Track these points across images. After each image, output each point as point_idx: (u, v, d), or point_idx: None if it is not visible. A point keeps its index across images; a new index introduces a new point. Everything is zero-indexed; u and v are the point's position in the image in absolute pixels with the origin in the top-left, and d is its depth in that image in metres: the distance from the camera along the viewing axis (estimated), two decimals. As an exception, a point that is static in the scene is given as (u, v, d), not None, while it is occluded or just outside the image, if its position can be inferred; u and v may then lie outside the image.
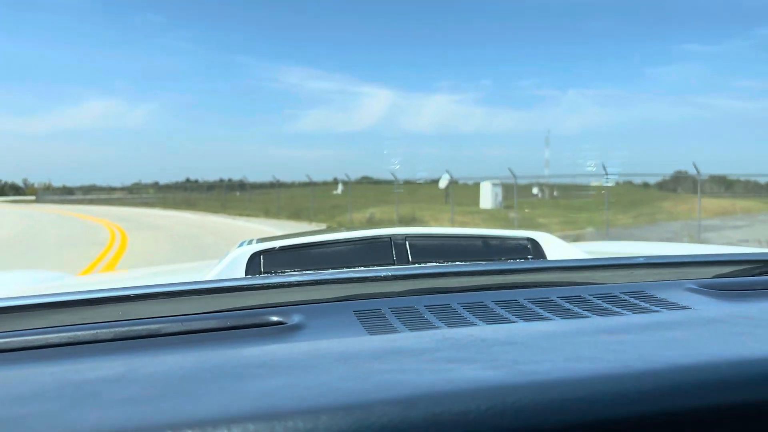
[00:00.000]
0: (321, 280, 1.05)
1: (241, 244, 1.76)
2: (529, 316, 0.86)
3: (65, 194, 37.29)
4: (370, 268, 1.48)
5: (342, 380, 0.51)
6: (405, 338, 0.73)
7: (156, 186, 27.88)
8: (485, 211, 22.32)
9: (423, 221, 18.42)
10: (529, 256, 1.81)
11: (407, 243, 1.77)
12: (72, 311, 0.91)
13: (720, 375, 0.52)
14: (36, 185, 37.90)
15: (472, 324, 0.83)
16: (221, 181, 24.42)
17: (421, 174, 20.84)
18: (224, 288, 0.99)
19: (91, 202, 41.55)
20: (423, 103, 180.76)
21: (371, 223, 18.02)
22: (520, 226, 14.10)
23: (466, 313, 0.89)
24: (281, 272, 1.57)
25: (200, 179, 24.94)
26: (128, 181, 32.31)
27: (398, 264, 1.69)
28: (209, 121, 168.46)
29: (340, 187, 24.68)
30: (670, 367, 0.53)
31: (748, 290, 1.03)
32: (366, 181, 23.97)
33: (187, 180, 25.07)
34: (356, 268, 1.49)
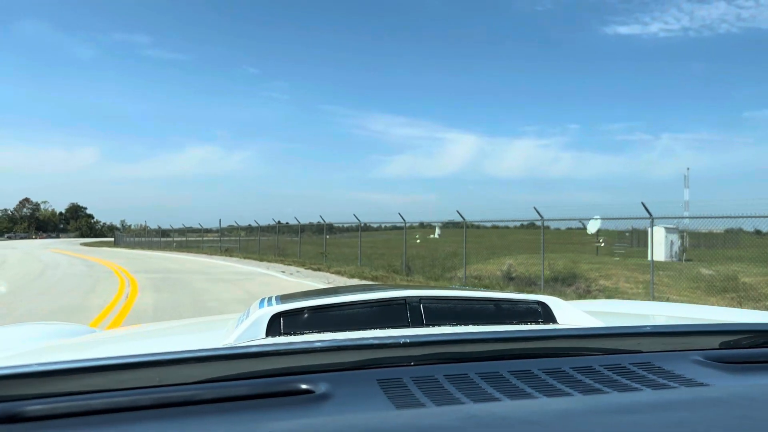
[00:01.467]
0: (343, 346, 1.07)
1: (261, 303, 1.82)
2: (544, 389, 0.90)
3: (158, 236, 37.21)
4: (388, 331, 1.53)
5: None
6: (431, 414, 0.77)
7: (248, 228, 27.96)
8: (664, 265, 16.81)
9: (592, 279, 14.24)
10: (539, 320, 1.85)
11: (422, 305, 1.82)
12: (109, 375, 0.92)
13: None
14: (132, 226, 39.38)
15: (491, 397, 0.86)
16: (310, 224, 23.79)
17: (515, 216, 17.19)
18: (250, 354, 1.01)
19: (164, 247, 39.09)
20: (508, 147, 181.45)
21: (508, 278, 15.29)
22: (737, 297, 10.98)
23: (484, 384, 0.93)
24: (300, 332, 1.64)
25: (290, 222, 25.08)
26: (221, 223, 33.96)
27: (413, 326, 1.74)
28: (299, 166, 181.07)
29: (437, 231, 22.11)
30: None
31: (751, 363, 1.06)
32: (453, 225, 21.62)
33: (278, 222, 24.89)
34: (374, 331, 1.53)
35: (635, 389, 0.89)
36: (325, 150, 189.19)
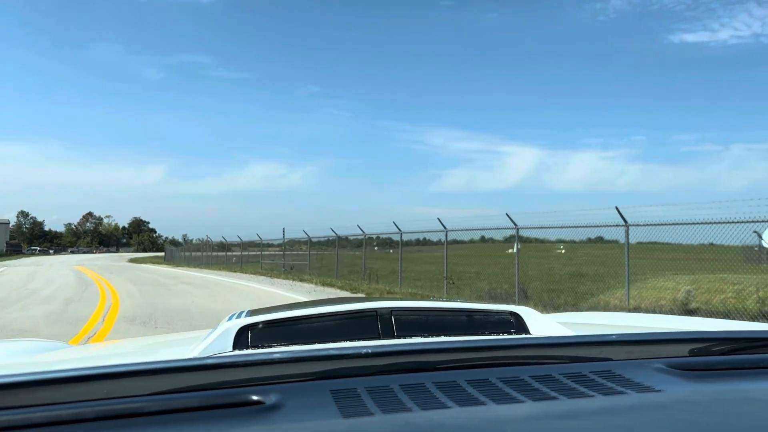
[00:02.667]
0: (301, 357, 1.07)
1: (230, 318, 1.83)
2: (499, 397, 0.89)
3: (216, 250, 32.98)
4: (352, 344, 1.48)
5: None
6: (375, 422, 0.79)
7: (309, 243, 25.08)
8: None
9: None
10: (511, 330, 1.86)
11: (393, 317, 1.82)
12: (57, 389, 0.91)
13: None
14: (194, 241, 40.19)
15: (442, 405, 0.86)
16: (371, 239, 21.24)
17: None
18: (206, 365, 1.00)
19: (221, 264, 31.92)
20: (570, 160, 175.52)
21: (684, 309, 10.58)
22: None
23: (438, 393, 0.92)
24: (268, 345, 1.63)
25: (350, 236, 22.05)
26: (284, 234, 29.86)
27: (383, 338, 1.73)
28: (358, 182, 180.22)
29: (516, 247, 17.96)
30: None
31: (714, 370, 1.06)
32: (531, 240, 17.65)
33: (339, 237, 22.42)
34: (339, 344, 1.49)
35: (587, 396, 0.90)
36: (383, 165, 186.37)
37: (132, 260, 49.81)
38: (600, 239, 12.57)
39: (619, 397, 0.89)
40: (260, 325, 1.72)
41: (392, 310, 1.84)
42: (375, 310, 1.83)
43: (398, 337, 1.75)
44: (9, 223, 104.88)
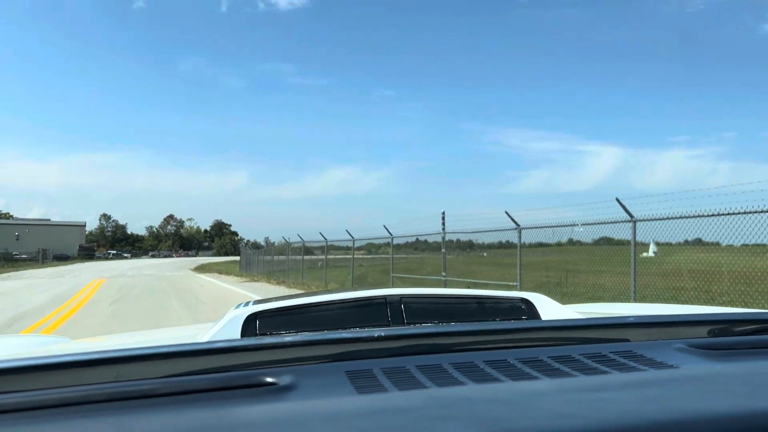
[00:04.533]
0: (313, 340, 1.04)
1: (237, 306, 1.85)
2: (518, 376, 0.87)
3: (300, 253, 25.01)
4: (364, 329, 1.44)
5: None
6: (392, 397, 0.75)
7: (395, 247, 17.59)
8: None
9: None
10: (523, 317, 1.88)
11: (402, 304, 1.82)
12: (64, 373, 0.90)
13: (697, 431, 0.53)
14: (276, 244, 31.93)
15: (459, 382, 0.83)
16: (451, 242, 14.98)
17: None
18: (217, 349, 0.98)
19: (305, 270, 23.39)
20: (655, 159, 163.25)
21: None
22: None
23: (456, 373, 0.89)
24: (276, 333, 1.62)
25: (429, 240, 15.89)
26: (358, 241, 20.48)
27: (393, 325, 1.74)
28: (435, 184, 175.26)
29: (652, 248, 12.12)
30: (647, 423, 0.54)
31: (736, 349, 1.02)
32: (605, 242, 12.46)
33: (417, 240, 16.81)
34: (351, 329, 1.46)
35: (610, 374, 0.88)
36: (460, 167, 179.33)
37: (199, 268, 38.56)
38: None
39: (637, 373, 0.86)
40: (268, 313, 1.73)
41: (402, 297, 1.85)
42: (384, 297, 1.83)
43: (408, 324, 1.76)
44: (85, 225, 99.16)
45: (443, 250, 14.18)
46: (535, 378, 0.85)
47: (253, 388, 0.84)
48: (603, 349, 1.01)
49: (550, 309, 1.87)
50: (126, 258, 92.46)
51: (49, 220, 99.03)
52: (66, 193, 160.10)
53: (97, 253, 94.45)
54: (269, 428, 0.57)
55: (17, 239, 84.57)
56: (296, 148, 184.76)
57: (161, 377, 0.89)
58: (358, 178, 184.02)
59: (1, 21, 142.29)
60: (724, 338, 1.13)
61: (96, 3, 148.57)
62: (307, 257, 23.75)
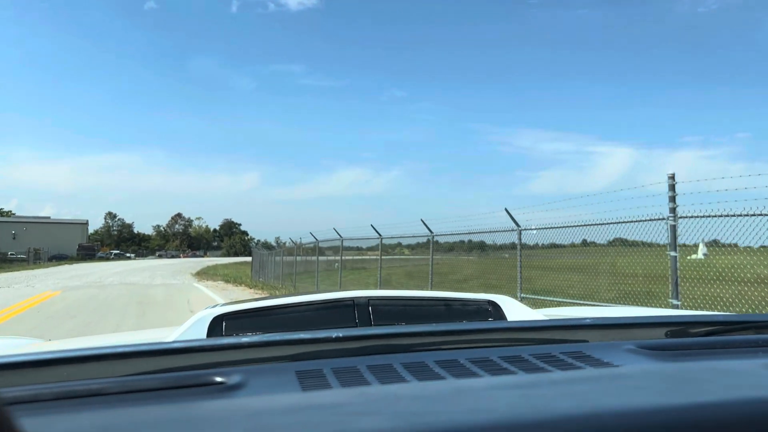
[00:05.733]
0: (269, 341, 1.04)
1: (207, 307, 1.86)
2: (462, 375, 0.87)
3: (310, 254, 20.78)
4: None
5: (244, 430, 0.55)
6: (331, 394, 0.77)
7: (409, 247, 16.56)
8: None
9: None
10: (489, 318, 1.88)
11: (370, 306, 1.82)
12: (17, 373, 0.91)
13: (602, 424, 0.55)
14: (287, 244, 26.56)
15: (402, 380, 0.84)
16: (461, 242, 13.30)
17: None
18: (172, 349, 0.98)
19: (322, 272, 19.06)
20: (667, 160, 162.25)
21: None
22: None
23: (404, 372, 0.89)
24: (242, 335, 1.59)
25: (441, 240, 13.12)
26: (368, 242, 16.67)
27: (361, 327, 1.72)
28: (445, 185, 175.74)
29: (701, 250, 8.58)
30: (555, 417, 0.55)
31: (685, 350, 1.01)
32: (620, 242, 9.06)
33: (427, 241, 12.90)
34: (316, 331, 1.37)
35: (549, 372, 0.88)
36: (470, 168, 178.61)
37: (202, 273, 32.08)
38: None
39: (574, 371, 0.87)
40: (235, 315, 1.72)
41: (369, 300, 1.84)
42: (352, 299, 1.83)
43: (376, 326, 1.75)
44: (87, 224, 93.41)
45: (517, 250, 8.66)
46: (478, 376, 0.86)
47: (201, 387, 0.84)
48: (554, 350, 1.01)
49: (517, 312, 1.88)
50: (129, 258, 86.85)
51: (49, 217, 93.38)
52: (77, 193, 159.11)
53: (100, 253, 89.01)
54: (211, 422, 0.59)
55: (14, 238, 78.98)
56: (306, 149, 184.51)
57: (112, 377, 0.89)
58: (368, 179, 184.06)
59: (14, 22, 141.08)
60: (678, 339, 1.13)
61: (107, 3, 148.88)
62: (323, 258, 19.08)
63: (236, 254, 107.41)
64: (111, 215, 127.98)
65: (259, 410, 0.64)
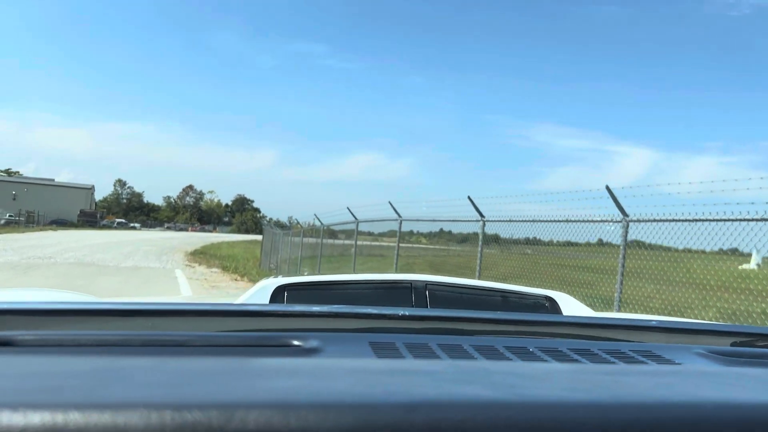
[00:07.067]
0: (340, 312, 1.08)
1: (268, 278, 1.92)
2: (534, 360, 0.89)
3: (325, 237, 16.48)
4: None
5: (350, 386, 0.55)
6: (412, 362, 0.79)
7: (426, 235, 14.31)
8: None
9: None
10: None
11: (427, 290, 1.83)
12: (104, 320, 0.97)
13: (702, 413, 0.55)
14: (300, 224, 20.80)
15: (473, 358, 0.87)
16: (475, 234, 9.59)
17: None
18: (248, 312, 1.03)
19: (338, 255, 15.81)
20: (686, 164, 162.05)
21: None
22: None
23: (476, 354, 0.91)
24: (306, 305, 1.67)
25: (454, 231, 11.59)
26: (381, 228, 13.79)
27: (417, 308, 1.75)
28: (460, 175, 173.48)
29: (754, 259, 7.34)
30: (657, 402, 0.56)
31: (758, 359, 1.00)
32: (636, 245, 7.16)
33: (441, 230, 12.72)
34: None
35: (626, 364, 0.88)
36: (486, 159, 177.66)
37: (199, 253, 26.59)
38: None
39: (651, 366, 0.86)
40: (296, 286, 1.78)
41: (427, 284, 1.86)
42: (410, 282, 1.85)
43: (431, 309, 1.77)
44: (92, 189, 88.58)
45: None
46: (546, 362, 0.87)
47: (279, 348, 0.88)
48: (622, 347, 1.02)
49: (573, 310, 1.83)
50: (133, 229, 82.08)
51: (53, 180, 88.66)
52: (94, 160, 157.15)
53: (105, 221, 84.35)
54: (295, 373, 0.60)
55: (14, 199, 74.24)
56: (323, 130, 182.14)
57: (194, 332, 0.92)
58: (383, 164, 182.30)
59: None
60: (746, 348, 1.12)
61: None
62: (338, 242, 16.12)
63: (247, 231, 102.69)
64: (121, 183, 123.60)
65: (344, 369, 0.64)
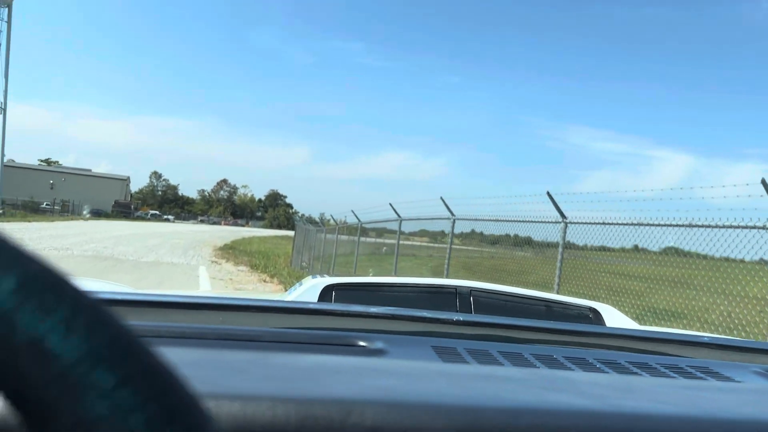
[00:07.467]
0: (398, 315, 1.09)
1: (314, 276, 1.92)
2: (592, 370, 0.87)
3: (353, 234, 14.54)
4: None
5: (449, 388, 0.54)
6: (474, 368, 0.78)
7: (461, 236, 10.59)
8: None
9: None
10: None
11: (471, 296, 1.84)
12: (177, 311, 1.00)
13: None
14: (335, 220, 19.46)
15: (535, 367, 0.86)
16: (507, 236, 9.32)
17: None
18: (310, 310, 1.07)
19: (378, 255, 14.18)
20: (726, 171, 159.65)
21: None
22: None
23: (538, 363, 0.90)
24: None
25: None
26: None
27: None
28: (492, 176, 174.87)
29: None
30: (748, 420, 0.54)
31: None
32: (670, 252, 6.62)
33: (473, 231, 10.42)
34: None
35: (698, 380, 0.87)
36: (519, 161, 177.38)
37: (228, 248, 25.21)
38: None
39: (720, 383, 0.85)
40: (344, 287, 1.81)
41: (472, 290, 1.86)
42: (455, 288, 1.87)
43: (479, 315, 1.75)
44: (128, 180, 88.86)
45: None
46: (619, 375, 0.85)
47: (346, 347, 0.88)
48: (679, 362, 1.01)
49: (617, 322, 1.79)
50: (167, 221, 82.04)
51: (90, 170, 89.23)
52: (131, 152, 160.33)
53: (139, 212, 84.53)
54: (362, 374, 0.60)
55: (51, 188, 74.68)
56: (356, 128, 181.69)
57: (262, 328, 0.96)
58: (416, 163, 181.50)
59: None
60: None
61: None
62: (371, 240, 14.56)
63: (279, 226, 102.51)
64: (156, 175, 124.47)
65: (416, 370, 0.64)
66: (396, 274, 12.56)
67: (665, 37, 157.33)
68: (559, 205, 7.28)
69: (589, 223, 7.03)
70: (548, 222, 7.59)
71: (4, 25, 43.98)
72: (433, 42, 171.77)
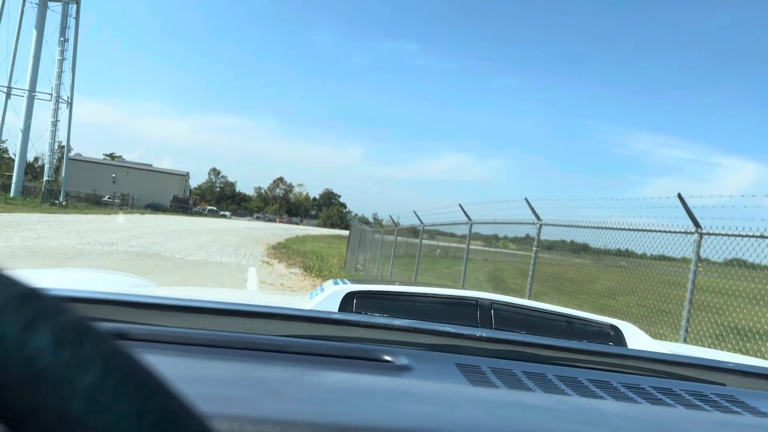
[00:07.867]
0: (421, 328, 1.07)
1: (335, 282, 1.88)
2: (625, 399, 0.86)
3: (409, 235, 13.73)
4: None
5: (482, 418, 0.52)
6: (503, 393, 0.77)
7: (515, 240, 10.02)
8: None
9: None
10: (610, 343, 1.78)
11: (492, 309, 1.80)
12: (208, 317, 0.99)
13: None
14: (384, 221, 22.95)
15: (566, 394, 0.83)
16: (563, 242, 8.45)
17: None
18: (334, 320, 1.06)
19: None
20: None
21: None
22: None
23: (562, 386, 0.88)
24: (372, 314, 1.63)
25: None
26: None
27: (481, 327, 1.68)
28: (552, 180, 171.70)
29: None
30: None
31: None
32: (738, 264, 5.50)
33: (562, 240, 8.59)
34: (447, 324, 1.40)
35: (708, 411, 0.85)
36: (579, 165, 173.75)
37: (282, 247, 24.09)
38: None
39: (739, 416, 0.83)
40: (365, 294, 1.78)
41: (493, 303, 1.83)
42: (476, 300, 1.82)
43: (496, 329, 1.69)
44: (187, 176, 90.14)
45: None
46: (635, 402, 0.84)
47: (371, 362, 0.87)
48: (705, 389, 0.99)
49: (638, 340, 1.77)
50: (224, 217, 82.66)
51: (150, 165, 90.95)
52: (192, 149, 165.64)
53: (196, 208, 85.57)
54: (395, 399, 0.58)
55: (114, 182, 76.31)
56: (411, 130, 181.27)
57: (289, 336, 0.95)
58: (471, 165, 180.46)
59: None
60: None
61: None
62: (425, 242, 12.64)
63: (332, 225, 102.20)
64: (215, 171, 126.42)
65: (443, 395, 0.62)
66: (464, 283, 11.14)
67: (735, 41, 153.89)
68: (693, 211, 5.59)
69: (729, 235, 5.36)
70: (676, 232, 5.91)
71: (72, 21, 44.71)
72: (490, 44, 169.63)
